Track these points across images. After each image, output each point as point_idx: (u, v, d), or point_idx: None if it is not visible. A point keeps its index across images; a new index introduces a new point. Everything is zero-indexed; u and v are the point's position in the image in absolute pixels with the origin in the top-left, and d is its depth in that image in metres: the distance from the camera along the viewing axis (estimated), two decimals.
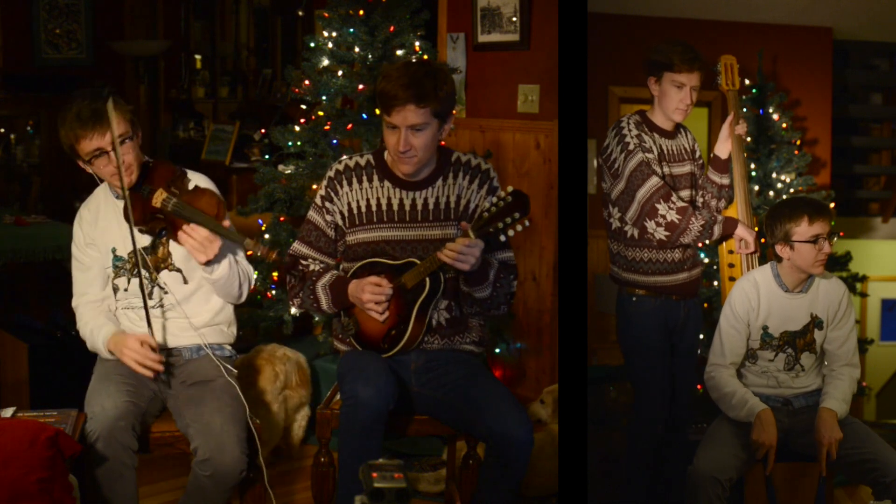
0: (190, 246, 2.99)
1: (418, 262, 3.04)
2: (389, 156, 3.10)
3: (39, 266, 4.49)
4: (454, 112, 3.09)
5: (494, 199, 2.89)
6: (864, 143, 6.60)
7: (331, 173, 3.16)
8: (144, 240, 3.13)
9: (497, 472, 2.98)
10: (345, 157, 3.19)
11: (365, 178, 3.13)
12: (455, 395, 3.07)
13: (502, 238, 2.90)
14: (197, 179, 3.17)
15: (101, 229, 3.18)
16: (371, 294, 3.02)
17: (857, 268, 5.46)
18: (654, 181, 3.40)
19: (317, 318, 4.56)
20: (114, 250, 3.17)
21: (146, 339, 3.04)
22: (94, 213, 3.21)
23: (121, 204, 3.12)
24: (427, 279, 3.04)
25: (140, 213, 3.07)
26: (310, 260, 3.20)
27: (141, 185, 3.09)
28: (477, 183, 3.12)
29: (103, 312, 3.19)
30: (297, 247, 3.22)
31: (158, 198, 3.05)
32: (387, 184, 3.11)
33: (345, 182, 3.14)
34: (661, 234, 3.43)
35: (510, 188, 2.89)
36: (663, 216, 3.40)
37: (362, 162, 3.15)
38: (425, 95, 2.92)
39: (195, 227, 2.97)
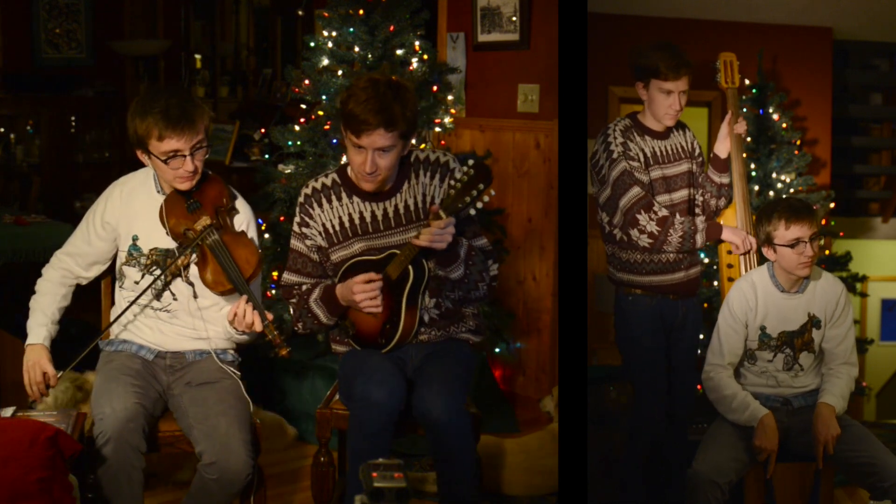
0: (232, 317, 3.00)
1: (398, 252, 3.06)
2: (353, 173, 3.11)
3: (39, 266, 4.47)
4: (415, 134, 3.11)
5: (458, 176, 2.94)
6: (864, 143, 6.60)
7: (301, 199, 3.19)
8: (170, 242, 3.11)
9: (436, 460, 3.00)
10: (311, 181, 3.21)
11: (334, 197, 3.16)
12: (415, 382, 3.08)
13: (472, 212, 2.94)
14: (242, 211, 3.18)
15: (129, 212, 3.16)
16: (362, 293, 3.03)
17: (857, 268, 5.45)
18: (634, 191, 3.41)
19: None
20: (135, 238, 3.15)
21: (50, 376, 3.08)
22: (128, 193, 3.18)
23: (160, 198, 3.12)
24: (410, 267, 3.06)
25: (175, 222, 3.06)
26: (304, 287, 3.21)
27: (191, 195, 3.08)
28: (438, 178, 3.14)
29: (60, 293, 3.21)
30: (287, 277, 3.24)
31: (201, 222, 3.04)
32: (355, 199, 3.14)
33: (315, 204, 3.16)
34: (644, 241, 3.44)
35: (470, 162, 2.94)
36: (643, 226, 3.41)
37: (328, 182, 3.18)
38: (395, 120, 2.93)
39: (247, 314, 2.95)
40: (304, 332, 3.28)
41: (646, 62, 3.44)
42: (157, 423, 3.10)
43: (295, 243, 3.22)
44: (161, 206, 3.10)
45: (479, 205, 2.94)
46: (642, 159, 3.47)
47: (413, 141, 3.14)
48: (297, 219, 3.20)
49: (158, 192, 3.15)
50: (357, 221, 3.14)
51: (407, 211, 3.13)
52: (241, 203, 3.21)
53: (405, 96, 2.98)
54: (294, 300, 3.22)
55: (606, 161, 3.46)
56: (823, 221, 5.21)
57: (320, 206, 3.17)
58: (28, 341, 3.15)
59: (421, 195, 3.13)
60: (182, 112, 2.95)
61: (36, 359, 3.10)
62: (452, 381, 3.00)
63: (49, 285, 3.23)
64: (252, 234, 3.18)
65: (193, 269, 3.11)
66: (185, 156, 2.98)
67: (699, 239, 3.45)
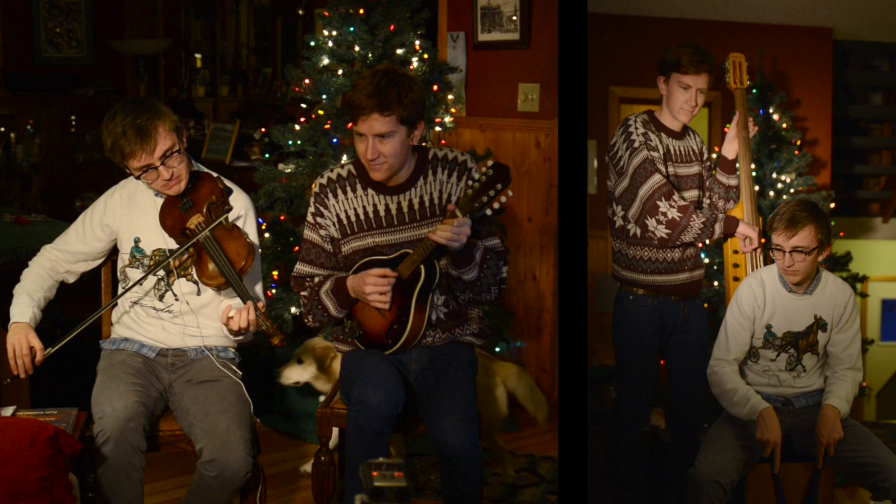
0: (229, 320, 3.00)
1: (411, 252, 3.05)
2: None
3: None
4: (422, 122, 3.08)
5: (476, 175, 2.93)
6: (864, 144, 6.61)
7: (316, 189, 3.19)
8: (172, 243, 3.12)
9: (445, 481, 2.98)
10: (326, 171, 3.21)
11: (349, 188, 3.15)
12: (423, 396, 3.08)
13: (488, 212, 2.93)
14: (236, 205, 3.16)
15: (131, 215, 3.17)
16: (373, 286, 3.02)
17: (857, 268, 5.46)
18: (656, 178, 3.41)
19: None
20: (137, 240, 3.16)
21: (37, 350, 3.03)
22: (128, 196, 3.20)
23: (159, 201, 3.13)
24: (422, 267, 3.05)
25: (173, 223, 3.08)
26: (317, 278, 3.20)
27: (185, 195, 3.10)
28: (456, 176, 3.13)
29: (47, 284, 3.19)
30: (300, 268, 3.22)
31: (194, 221, 3.06)
32: (370, 191, 3.13)
33: (330, 194, 3.15)
34: (661, 231, 3.43)
35: (489, 162, 2.93)
36: (664, 213, 3.40)
37: (344, 173, 3.17)
38: (389, 104, 2.93)
39: (246, 317, 2.95)
40: (314, 325, 3.27)
41: (669, 56, 3.46)
42: (157, 422, 3.10)
43: (309, 234, 3.20)
44: (160, 209, 3.12)
45: (497, 205, 2.92)
46: (662, 152, 3.48)
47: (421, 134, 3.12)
48: (311, 209, 3.19)
49: (156, 194, 3.16)
50: (371, 214, 3.13)
51: (422, 206, 3.11)
52: (235, 197, 3.20)
53: (403, 82, 2.98)
54: (305, 292, 3.20)
55: (627, 151, 3.45)
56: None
57: (335, 196, 3.15)
58: (13, 321, 3.10)
59: (437, 192, 3.12)
60: (138, 130, 2.97)
61: (23, 333, 3.05)
62: (466, 408, 2.99)
63: (35, 274, 3.21)
64: (248, 227, 3.18)
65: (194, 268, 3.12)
66: (156, 167, 3.01)
67: (718, 228, 3.45)
